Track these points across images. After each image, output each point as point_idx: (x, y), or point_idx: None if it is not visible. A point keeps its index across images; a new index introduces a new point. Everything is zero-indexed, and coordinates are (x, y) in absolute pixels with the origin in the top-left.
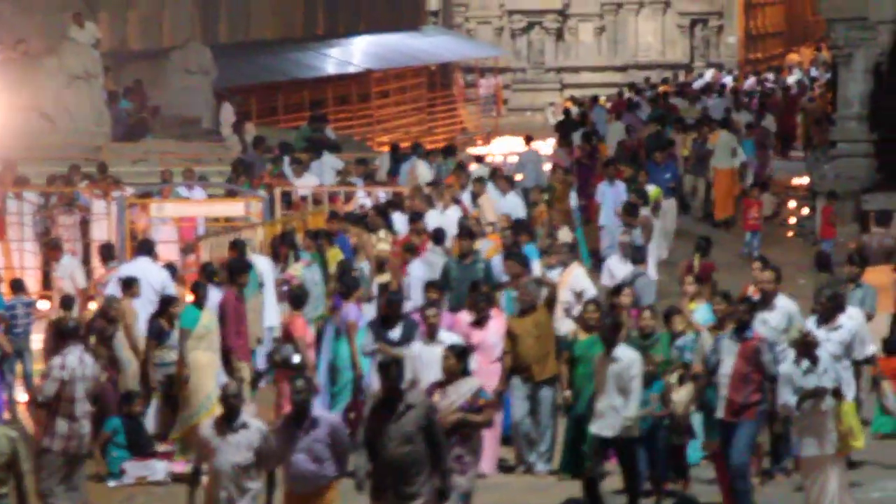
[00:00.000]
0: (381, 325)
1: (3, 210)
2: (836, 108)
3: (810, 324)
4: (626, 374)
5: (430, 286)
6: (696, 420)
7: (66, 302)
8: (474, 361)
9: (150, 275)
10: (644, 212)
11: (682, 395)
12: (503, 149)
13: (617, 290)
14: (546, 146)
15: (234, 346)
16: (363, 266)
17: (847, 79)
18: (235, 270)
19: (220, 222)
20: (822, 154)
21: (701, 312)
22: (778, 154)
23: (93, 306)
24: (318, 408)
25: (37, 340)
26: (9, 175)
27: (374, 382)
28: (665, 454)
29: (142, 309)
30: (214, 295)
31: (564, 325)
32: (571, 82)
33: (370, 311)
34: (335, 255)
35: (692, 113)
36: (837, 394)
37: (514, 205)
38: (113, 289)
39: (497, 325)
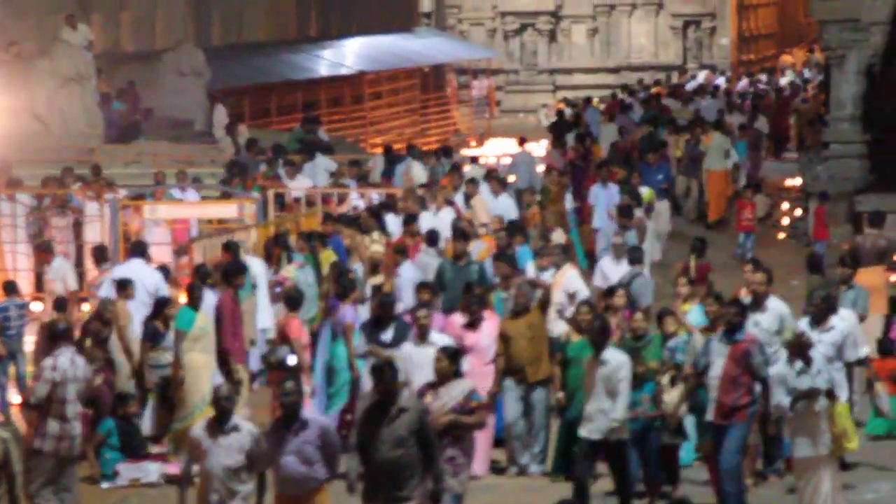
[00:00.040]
0: (374, 326)
1: None
2: (829, 110)
3: (803, 325)
4: (615, 376)
5: (421, 287)
6: (689, 422)
7: (60, 304)
8: (467, 363)
9: (144, 277)
10: (637, 213)
11: (673, 395)
12: (496, 150)
13: (610, 291)
14: (539, 148)
15: (231, 348)
16: (356, 268)
17: (840, 80)
18: (231, 272)
19: (213, 224)
20: (815, 155)
21: (694, 314)
22: (770, 155)
23: (86, 308)
24: (314, 409)
25: (30, 342)
26: (2, 177)
27: (366, 384)
28: (657, 455)
29: (135, 311)
30: (208, 297)
31: (558, 327)
32: (564, 84)
33: (364, 313)
34: (328, 256)
35: (685, 114)
36: (831, 395)
37: (506, 206)
38: (106, 291)
39: (490, 327)
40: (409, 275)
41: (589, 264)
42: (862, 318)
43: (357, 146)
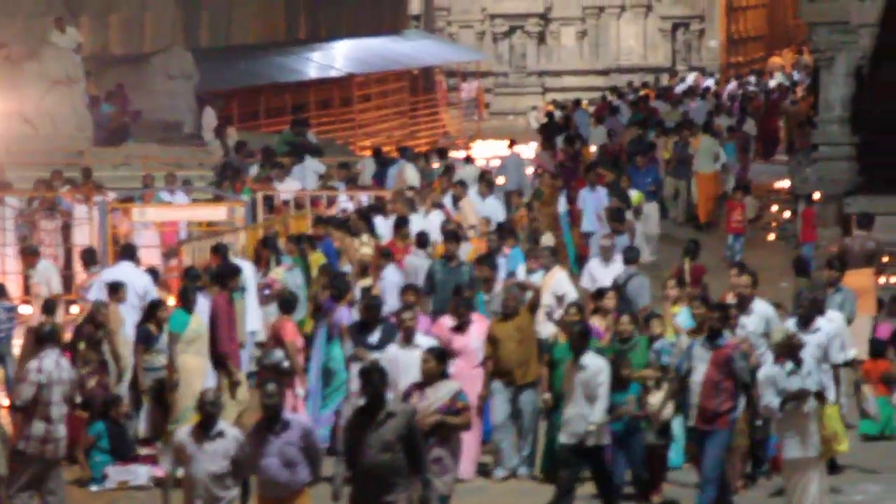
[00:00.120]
0: (360, 329)
1: None
2: (818, 112)
3: (791, 327)
4: (594, 381)
5: (406, 290)
6: (678, 423)
7: (48, 307)
8: (455, 366)
9: (133, 280)
10: (627, 216)
11: (658, 396)
12: (485, 152)
13: (600, 293)
14: (528, 150)
15: (228, 351)
16: (346, 270)
17: (828, 82)
18: (226, 275)
19: (202, 227)
20: (804, 157)
21: (683, 316)
22: (759, 157)
23: (74, 311)
24: (308, 412)
25: (18, 346)
26: None
27: (353, 386)
28: (642, 455)
29: (125, 314)
30: (199, 300)
31: (546, 329)
32: (553, 86)
33: (355, 315)
34: (317, 259)
35: (674, 116)
36: (820, 396)
37: (493, 208)
38: (95, 293)
39: (479, 329)
40: (392, 278)
41: (579, 268)
42: (849, 321)
43: (346, 149)
